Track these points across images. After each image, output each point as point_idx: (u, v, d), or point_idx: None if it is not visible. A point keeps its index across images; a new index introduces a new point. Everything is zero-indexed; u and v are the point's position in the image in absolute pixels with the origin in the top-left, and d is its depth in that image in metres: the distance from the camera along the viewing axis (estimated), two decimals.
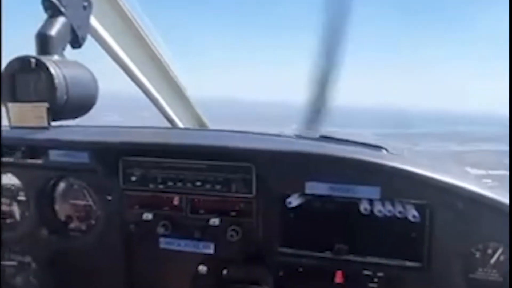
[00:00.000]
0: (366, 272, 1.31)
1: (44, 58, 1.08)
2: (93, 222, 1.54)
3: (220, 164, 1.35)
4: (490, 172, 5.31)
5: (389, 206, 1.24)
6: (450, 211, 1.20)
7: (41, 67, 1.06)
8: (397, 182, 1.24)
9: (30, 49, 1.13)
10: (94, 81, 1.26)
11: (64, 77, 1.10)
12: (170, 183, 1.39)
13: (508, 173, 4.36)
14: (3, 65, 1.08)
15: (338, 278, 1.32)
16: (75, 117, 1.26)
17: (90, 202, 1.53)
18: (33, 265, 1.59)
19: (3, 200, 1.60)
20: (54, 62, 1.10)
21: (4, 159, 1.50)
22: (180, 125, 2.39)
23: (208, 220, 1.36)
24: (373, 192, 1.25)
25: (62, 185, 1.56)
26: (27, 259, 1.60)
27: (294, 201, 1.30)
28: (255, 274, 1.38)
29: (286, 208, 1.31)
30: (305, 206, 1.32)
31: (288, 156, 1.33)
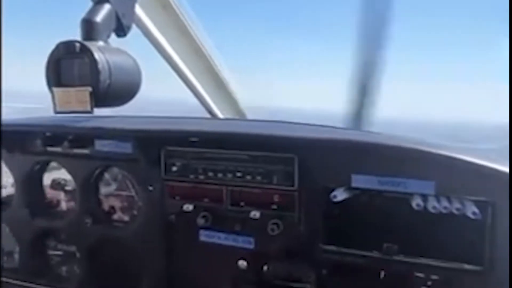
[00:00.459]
0: (418, 274, 1.20)
1: (88, 43, 1.10)
2: (135, 212, 1.54)
3: (261, 154, 1.31)
4: None
5: (445, 202, 1.13)
6: None
7: (85, 51, 1.08)
8: (455, 175, 1.12)
9: None
10: (138, 68, 1.26)
11: (108, 62, 1.10)
12: (210, 174, 1.37)
13: None
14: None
15: (386, 279, 1.23)
16: (118, 104, 1.26)
17: (133, 193, 1.54)
18: (78, 254, 1.62)
19: (53, 189, 1.65)
20: (98, 47, 1.11)
21: (52, 149, 1.54)
22: (220, 115, 2.39)
23: (248, 213, 1.32)
24: (427, 186, 1.14)
25: (106, 175, 1.58)
26: (72, 248, 1.64)
27: (339, 195, 1.22)
28: (297, 271, 1.32)
29: (331, 202, 1.23)
30: (351, 201, 1.24)
31: (333, 145, 1.26)
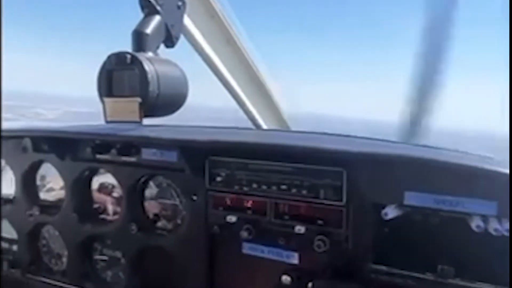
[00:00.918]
0: None
1: (138, 55, 1.11)
2: (179, 221, 1.55)
3: (307, 167, 1.27)
4: None
5: (507, 224, 1.04)
6: None
7: (136, 63, 1.10)
8: None
9: None
10: (185, 79, 1.27)
11: (157, 73, 1.12)
12: (254, 185, 1.34)
13: None
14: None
15: None
16: (166, 114, 1.28)
17: (177, 202, 1.55)
18: (122, 260, 1.65)
19: (100, 195, 1.69)
20: (148, 58, 1.13)
21: (100, 156, 1.58)
22: (264, 126, 2.37)
23: (293, 227, 1.28)
24: (489, 207, 1.06)
25: (151, 184, 1.59)
26: (118, 254, 1.67)
27: (390, 212, 1.15)
28: None
29: (381, 220, 1.17)
30: (403, 219, 1.17)
31: (385, 160, 1.19)
